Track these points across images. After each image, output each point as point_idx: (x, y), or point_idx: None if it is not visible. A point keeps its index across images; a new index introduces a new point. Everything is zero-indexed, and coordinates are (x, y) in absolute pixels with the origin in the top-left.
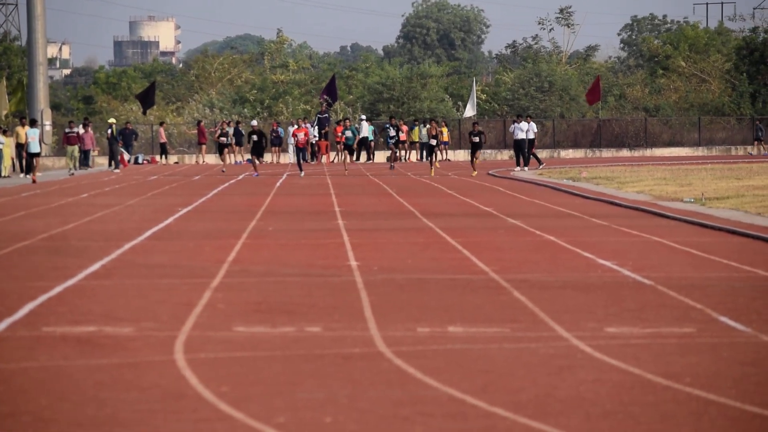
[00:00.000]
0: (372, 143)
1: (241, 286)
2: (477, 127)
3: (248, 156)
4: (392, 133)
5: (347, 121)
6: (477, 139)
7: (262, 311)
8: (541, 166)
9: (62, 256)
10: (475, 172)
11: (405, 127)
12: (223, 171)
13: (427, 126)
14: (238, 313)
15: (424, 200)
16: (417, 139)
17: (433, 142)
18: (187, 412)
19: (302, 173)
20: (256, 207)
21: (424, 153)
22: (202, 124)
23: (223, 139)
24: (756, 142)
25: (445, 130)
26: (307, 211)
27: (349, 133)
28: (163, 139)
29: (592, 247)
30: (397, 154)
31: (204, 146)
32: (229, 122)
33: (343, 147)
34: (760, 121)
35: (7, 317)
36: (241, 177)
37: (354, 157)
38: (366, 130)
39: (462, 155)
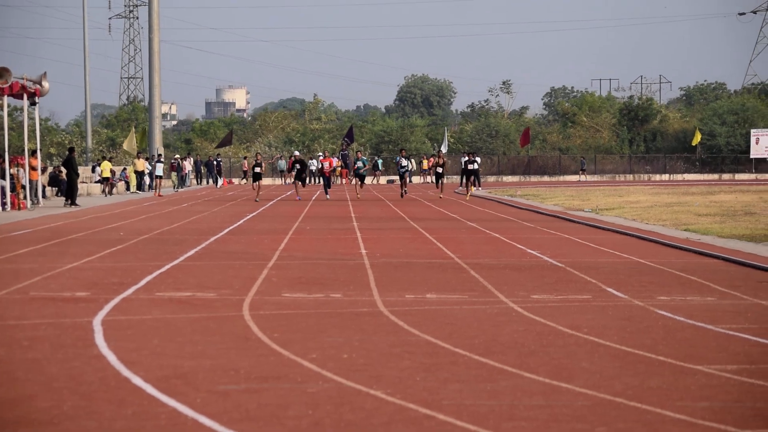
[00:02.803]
0: (378, 172)
1: (288, 266)
2: (472, 156)
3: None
4: (404, 163)
5: (359, 153)
6: (471, 167)
7: (301, 283)
8: (468, 189)
9: (169, 245)
10: (468, 196)
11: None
12: (256, 200)
13: (435, 158)
14: (285, 284)
15: (411, 209)
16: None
17: (440, 170)
18: (252, 350)
19: (328, 196)
20: (298, 214)
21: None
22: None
23: (258, 169)
24: (581, 172)
25: (425, 161)
26: (333, 216)
27: (360, 163)
28: (246, 168)
29: (523, 241)
30: (407, 182)
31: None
32: (281, 156)
33: (354, 174)
34: (584, 157)
35: (132, 285)
36: (288, 194)
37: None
38: (317, 162)
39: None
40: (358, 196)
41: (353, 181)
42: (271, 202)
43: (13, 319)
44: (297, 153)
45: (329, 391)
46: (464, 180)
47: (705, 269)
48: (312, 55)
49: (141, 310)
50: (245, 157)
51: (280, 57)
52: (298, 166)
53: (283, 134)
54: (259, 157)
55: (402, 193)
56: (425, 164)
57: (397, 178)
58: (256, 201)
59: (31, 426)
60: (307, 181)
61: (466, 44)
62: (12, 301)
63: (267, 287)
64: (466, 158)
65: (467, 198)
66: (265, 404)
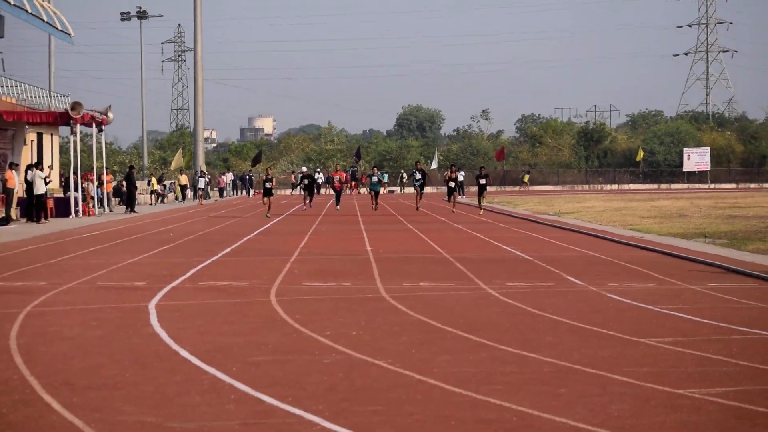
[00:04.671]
0: (386, 184)
1: (307, 260)
2: (483, 170)
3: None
4: (418, 176)
5: (375, 169)
6: (483, 181)
7: (318, 274)
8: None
9: (210, 245)
10: (482, 211)
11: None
12: (266, 216)
13: (447, 171)
14: (305, 275)
15: (409, 215)
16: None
17: (452, 184)
18: (278, 328)
19: (338, 207)
20: (316, 218)
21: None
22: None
23: (269, 183)
24: (522, 184)
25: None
26: (344, 221)
27: (375, 179)
28: (293, 180)
29: (499, 239)
30: (421, 196)
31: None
32: (302, 172)
33: (369, 189)
34: (524, 169)
35: (180, 276)
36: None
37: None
38: (323, 176)
39: (428, 190)
40: (374, 209)
41: (361, 191)
42: (293, 209)
43: (84, 304)
44: (305, 169)
45: (341, 361)
46: (478, 195)
47: (647, 261)
48: (326, 89)
49: (187, 296)
50: (292, 172)
51: (301, 91)
52: (306, 180)
53: (303, 154)
54: (269, 171)
55: (417, 207)
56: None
57: (397, 188)
58: (266, 217)
59: (100, 390)
60: (315, 191)
61: (453, 79)
62: (83, 289)
63: (290, 278)
64: (479, 173)
65: (481, 213)
66: (289, 372)
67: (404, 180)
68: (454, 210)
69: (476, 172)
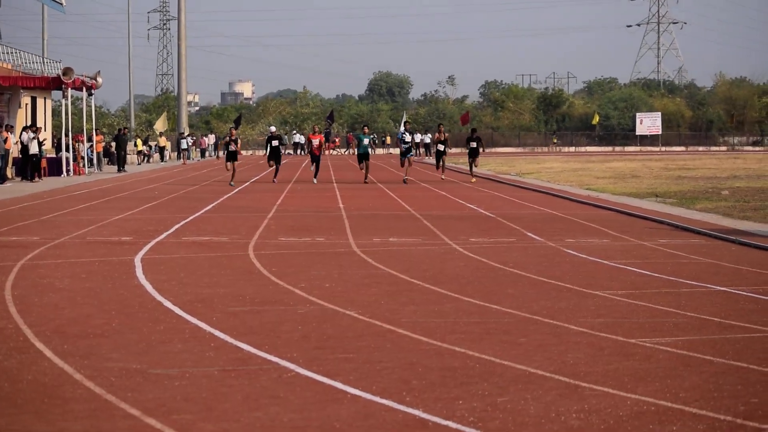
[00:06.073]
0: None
1: (283, 217)
2: (475, 133)
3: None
4: (408, 138)
5: (365, 128)
6: (474, 144)
7: (294, 229)
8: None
9: (192, 202)
10: (474, 179)
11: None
12: (231, 184)
13: (437, 134)
14: (281, 230)
15: (380, 174)
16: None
17: (441, 147)
18: (255, 280)
19: (315, 180)
20: (291, 177)
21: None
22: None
23: (233, 146)
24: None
25: (388, 138)
26: (318, 180)
27: (366, 140)
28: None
29: (464, 198)
30: (410, 162)
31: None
32: (270, 132)
33: (357, 154)
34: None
35: (164, 232)
36: (284, 162)
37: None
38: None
39: (396, 151)
40: (366, 181)
41: (342, 152)
42: (270, 169)
43: (74, 258)
44: (273, 129)
45: (314, 312)
46: (469, 160)
47: (602, 218)
48: (302, 55)
49: (171, 250)
50: (280, 130)
51: (278, 57)
52: (274, 142)
53: (280, 117)
54: (233, 132)
55: (404, 178)
56: (388, 140)
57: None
58: (231, 185)
59: (89, 338)
60: (289, 152)
61: (421, 47)
62: (74, 244)
63: (267, 233)
64: (470, 135)
65: (473, 180)
66: (265, 322)
67: (382, 142)
68: (443, 177)
69: (467, 135)
